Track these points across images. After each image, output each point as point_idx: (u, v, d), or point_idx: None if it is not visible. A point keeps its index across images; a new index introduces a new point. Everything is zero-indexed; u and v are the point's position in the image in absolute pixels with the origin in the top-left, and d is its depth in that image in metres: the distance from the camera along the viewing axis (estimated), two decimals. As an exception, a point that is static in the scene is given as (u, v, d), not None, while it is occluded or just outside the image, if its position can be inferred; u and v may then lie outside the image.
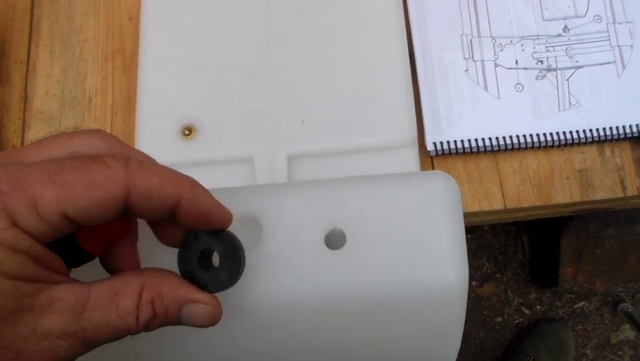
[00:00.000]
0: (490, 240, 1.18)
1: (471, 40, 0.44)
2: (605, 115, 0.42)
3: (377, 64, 0.42)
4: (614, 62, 0.43)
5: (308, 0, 0.44)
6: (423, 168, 0.42)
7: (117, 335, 0.22)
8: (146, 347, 0.29)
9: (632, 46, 0.43)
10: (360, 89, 0.41)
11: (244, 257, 0.25)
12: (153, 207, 0.22)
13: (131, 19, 0.46)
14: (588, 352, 1.14)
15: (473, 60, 0.43)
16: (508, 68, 0.43)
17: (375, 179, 0.31)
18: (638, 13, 0.44)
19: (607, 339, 1.14)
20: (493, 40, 0.44)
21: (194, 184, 0.23)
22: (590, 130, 0.42)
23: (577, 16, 0.44)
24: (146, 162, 0.22)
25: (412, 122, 0.41)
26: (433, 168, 0.42)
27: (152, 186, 0.21)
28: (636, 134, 0.42)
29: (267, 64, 0.42)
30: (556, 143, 0.42)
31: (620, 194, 0.42)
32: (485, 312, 1.15)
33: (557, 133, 0.42)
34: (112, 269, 0.24)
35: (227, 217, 0.24)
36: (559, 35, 0.44)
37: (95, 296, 0.21)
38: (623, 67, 0.43)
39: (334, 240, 0.29)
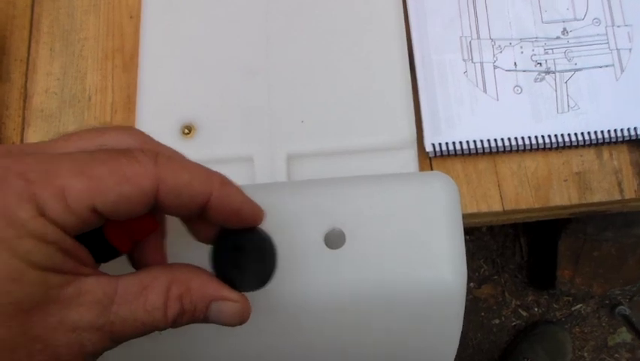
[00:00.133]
0: (488, 241, 1.18)
1: (470, 42, 0.44)
2: (603, 118, 0.42)
3: (377, 64, 0.42)
4: (613, 65, 0.43)
5: (308, 0, 0.44)
6: (421, 169, 0.42)
7: (145, 330, 0.21)
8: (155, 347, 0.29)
9: (630, 49, 0.44)
10: (360, 89, 0.42)
11: (275, 259, 0.25)
12: (182, 204, 0.21)
13: (131, 17, 0.46)
14: (585, 354, 1.14)
15: (472, 62, 0.43)
16: (506, 70, 0.43)
17: (374, 179, 0.31)
18: (636, 16, 0.44)
19: (604, 342, 1.14)
20: (493, 43, 0.44)
21: (225, 181, 0.22)
22: (588, 133, 0.42)
23: (576, 19, 0.44)
24: (176, 158, 0.22)
25: (411, 122, 0.41)
26: (432, 169, 0.43)
27: (182, 183, 0.21)
28: (634, 137, 0.42)
29: (267, 63, 0.42)
30: (555, 145, 0.42)
31: (617, 197, 0.42)
32: (483, 314, 1.15)
33: (555, 135, 0.42)
34: (139, 266, 0.24)
35: (259, 215, 0.24)
36: (558, 38, 0.44)
37: (123, 290, 0.21)
38: (622, 70, 0.43)
39: (333, 239, 0.29)
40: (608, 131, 0.42)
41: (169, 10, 0.44)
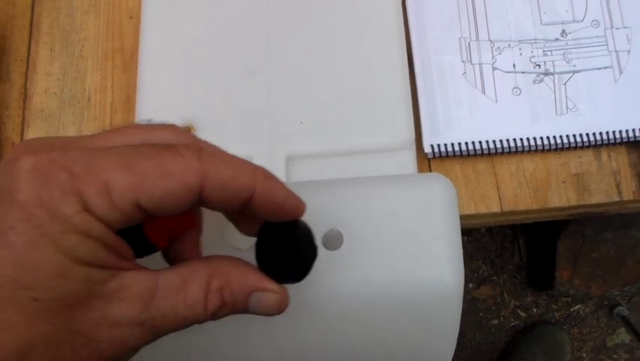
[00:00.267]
0: (486, 242, 1.19)
1: (469, 43, 0.44)
2: (602, 119, 0.42)
3: (376, 65, 0.42)
4: (611, 66, 0.43)
5: (308, 0, 0.44)
6: (420, 170, 0.42)
7: (185, 324, 0.21)
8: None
9: (629, 51, 0.44)
10: (359, 90, 0.42)
11: (316, 251, 0.24)
12: (227, 200, 0.21)
13: (131, 18, 0.46)
14: (584, 355, 1.14)
15: (471, 63, 0.44)
16: (505, 72, 0.43)
17: (372, 180, 0.31)
18: (635, 18, 0.44)
19: (603, 342, 1.14)
20: (492, 44, 0.44)
21: (268, 176, 0.22)
22: (587, 134, 0.42)
23: (575, 21, 0.44)
24: (219, 153, 0.21)
25: (409, 123, 0.41)
26: (430, 171, 0.43)
27: (226, 178, 0.21)
28: (632, 139, 0.42)
29: (267, 63, 0.42)
30: (553, 147, 0.42)
31: (616, 198, 0.42)
32: (481, 314, 1.16)
33: (554, 137, 0.42)
34: (173, 261, 0.24)
35: (301, 207, 0.24)
36: (556, 40, 0.44)
37: (163, 284, 0.21)
38: (620, 72, 0.43)
39: (332, 240, 0.29)
40: (607, 132, 0.42)
41: (169, 10, 0.44)
